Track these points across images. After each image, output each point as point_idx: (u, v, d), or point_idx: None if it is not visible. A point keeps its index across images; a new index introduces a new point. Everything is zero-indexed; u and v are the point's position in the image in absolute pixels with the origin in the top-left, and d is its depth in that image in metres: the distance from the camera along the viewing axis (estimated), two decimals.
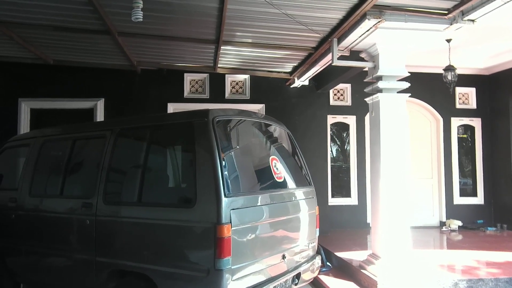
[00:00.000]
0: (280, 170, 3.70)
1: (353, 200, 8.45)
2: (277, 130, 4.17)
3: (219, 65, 7.00)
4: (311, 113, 7.96)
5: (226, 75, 7.71)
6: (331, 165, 8.43)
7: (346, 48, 5.14)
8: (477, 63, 8.68)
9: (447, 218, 8.72)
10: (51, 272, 3.95)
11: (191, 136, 3.20)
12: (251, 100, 7.80)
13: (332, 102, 8.52)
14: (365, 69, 5.44)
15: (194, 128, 3.21)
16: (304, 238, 3.97)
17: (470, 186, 9.12)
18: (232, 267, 2.94)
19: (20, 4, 4.46)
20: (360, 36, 4.70)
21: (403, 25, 4.36)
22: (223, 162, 3.02)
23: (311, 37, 5.27)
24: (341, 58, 5.40)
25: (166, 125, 3.48)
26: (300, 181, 4.16)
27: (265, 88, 7.82)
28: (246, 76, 7.76)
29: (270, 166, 3.58)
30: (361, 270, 5.04)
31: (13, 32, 5.35)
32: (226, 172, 3.03)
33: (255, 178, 3.44)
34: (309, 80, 7.80)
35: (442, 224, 8.73)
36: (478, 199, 8.99)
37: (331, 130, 8.56)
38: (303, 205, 3.99)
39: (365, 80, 5.30)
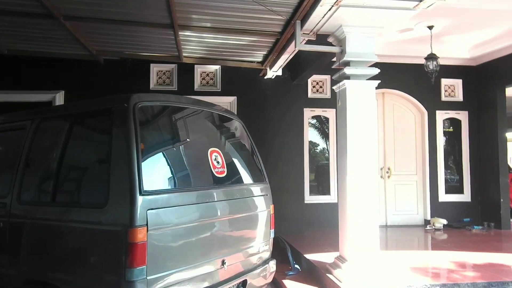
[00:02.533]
0: (222, 164, 3.25)
1: (332, 197, 7.98)
2: (225, 120, 3.74)
3: (184, 54, 6.55)
4: (286, 106, 7.51)
5: (196, 66, 7.26)
6: (309, 161, 7.99)
7: (311, 31, 4.69)
8: (463, 53, 8.25)
9: (432, 216, 8.31)
10: None
11: (109, 125, 2.77)
12: (222, 93, 7.35)
13: (310, 95, 8.07)
14: None
15: (113, 115, 2.77)
16: (253, 241, 3.54)
17: (456, 182, 8.70)
18: (149, 278, 2.51)
19: None
20: (323, 17, 4.26)
21: (368, 2, 3.92)
22: (141, 155, 2.58)
23: (275, 20, 4.83)
24: (309, 43, 4.98)
25: (85, 113, 3.04)
26: (251, 177, 3.73)
27: (238, 79, 7.37)
28: (217, 67, 7.31)
29: (208, 159, 3.14)
30: (327, 274, 4.62)
31: None
32: (144, 166, 2.59)
33: (186, 173, 2.99)
34: (284, 70, 7.35)
35: (427, 222, 8.31)
36: (465, 196, 8.57)
37: (309, 124, 8.12)
38: (252, 203, 3.56)
39: (333, 67, 4.86)
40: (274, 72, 6.90)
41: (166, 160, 2.87)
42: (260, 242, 3.63)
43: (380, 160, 8.48)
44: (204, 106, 3.42)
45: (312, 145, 8.25)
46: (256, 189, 3.66)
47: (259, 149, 7.36)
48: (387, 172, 8.48)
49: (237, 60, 6.80)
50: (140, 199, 2.48)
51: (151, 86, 7.21)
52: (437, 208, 8.40)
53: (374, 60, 4.51)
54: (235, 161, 3.61)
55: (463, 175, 8.60)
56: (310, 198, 7.91)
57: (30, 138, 3.19)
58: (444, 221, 8.02)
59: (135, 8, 4.61)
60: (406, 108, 8.65)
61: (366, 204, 4.38)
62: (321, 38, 4.96)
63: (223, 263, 3.12)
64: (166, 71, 7.29)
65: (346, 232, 4.50)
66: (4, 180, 3.28)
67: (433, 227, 7.98)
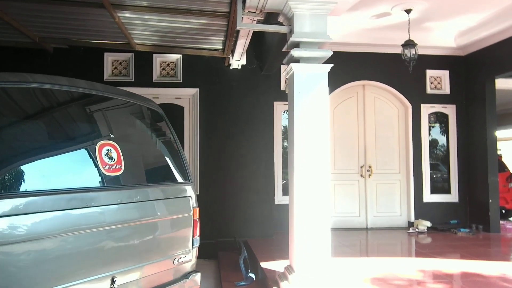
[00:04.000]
0: (117, 161, 2.67)
1: None
2: (133, 107, 3.15)
3: (137, 42, 5.99)
4: (255, 99, 6.91)
5: (155, 55, 6.68)
6: (282, 159, 7.40)
7: (257, 9, 4.10)
8: (449, 42, 7.61)
9: (416, 218, 7.69)
10: None
11: None
12: (183, 84, 6.77)
13: (284, 87, 7.46)
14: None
15: None
16: (163, 252, 2.96)
17: (443, 181, 8.07)
18: None
19: None
20: None
21: None
22: None
23: None
24: (259, 23, 4.40)
25: None
26: (165, 176, 3.14)
27: (201, 70, 6.79)
28: (178, 56, 6.72)
29: (95, 155, 2.55)
30: (273, 287, 4.03)
31: None
32: None
33: (59, 171, 2.39)
34: (252, 60, 6.78)
35: (410, 224, 7.70)
36: (452, 197, 7.94)
37: (283, 119, 7.52)
38: (162, 207, 2.98)
39: (283, 50, 4.26)
40: (237, 61, 6.32)
41: (16, 155, 2.28)
42: (175, 253, 3.05)
43: (361, 158, 7.89)
44: (89, 88, 2.82)
45: (285, 141, 7.65)
46: (170, 190, 3.08)
47: (224, 146, 6.89)
48: (368, 171, 7.88)
49: (195, 48, 6.22)
50: None
51: (105, 77, 6.64)
52: (422, 209, 7.79)
53: (327, 41, 3.91)
54: (143, 157, 3.04)
55: (450, 173, 7.98)
56: (283, 199, 7.31)
57: None
58: (428, 223, 7.40)
59: None
60: (388, 101, 8.03)
61: (315, 206, 3.79)
62: (273, 18, 4.38)
63: (113, 281, 2.54)
64: (123, 60, 6.72)
65: (293, 238, 3.92)
66: None
67: (416, 230, 7.37)
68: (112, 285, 2.54)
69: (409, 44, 6.22)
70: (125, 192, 2.69)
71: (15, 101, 2.40)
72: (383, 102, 8.01)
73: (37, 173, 2.29)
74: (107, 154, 2.62)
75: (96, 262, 2.46)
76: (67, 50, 6.49)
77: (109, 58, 6.67)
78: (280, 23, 4.25)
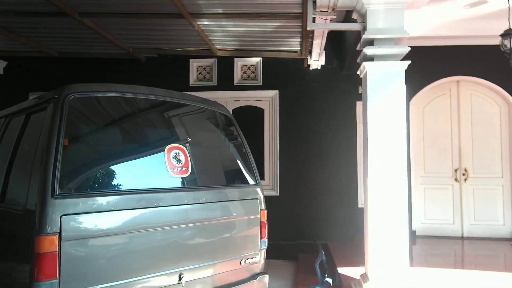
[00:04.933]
0: (185, 163, 2.81)
1: None
2: (203, 112, 3.28)
3: (217, 47, 6.25)
4: (335, 99, 6.75)
5: (236, 59, 6.89)
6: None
7: (328, 7, 3.98)
8: None
9: None
10: None
11: (42, 117, 2.52)
12: (263, 86, 6.87)
13: None
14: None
15: (47, 109, 2.51)
16: (230, 252, 3.03)
17: None
18: None
19: None
20: None
21: None
22: (62, 152, 2.27)
23: None
24: (333, 22, 4.29)
25: (36, 105, 2.81)
26: (233, 178, 3.22)
27: (280, 72, 6.83)
28: (258, 60, 6.84)
29: (164, 158, 2.72)
30: None
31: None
32: (65, 165, 2.27)
33: (124, 173, 2.58)
34: (333, 60, 6.64)
35: None
36: None
37: None
38: (228, 208, 3.05)
39: (357, 48, 4.09)
40: (316, 61, 6.23)
41: (96, 158, 2.53)
42: (242, 253, 3.11)
43: (455, 160, 7.21)
44: (167, 96, 3.00)
45: None
46: (237, 192, 3.14)
47: (304, 147, 6.83)
48: (463, 174, 7.17)
49: (273, 51, 6.28)
50: (52, 202, 2.17)
51: (191, 82, 7.03)
52: None
53: (404, 36, 3.66)
54: (212, 159, 3.14)
55: None
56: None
57: None
58: None
59: None
60: (488, 98, 7.22)
61: (391, 211, 3.58)
62: (348, 16, 4.24)
63: (180, 277, 2.68)
64: (206, 66, 7.05)
65: (368, 244, 3.74)
66: None
67: None
68: (180, 282, 2.68)
69: (509, 33, 5.51)
70: (192, 193, 2.81)
71: (104, 109, 2.67)
72: (481, 99, 7.22)
73: (114, 175, 2.52)
74: (175, 157, 2.77)
75: (164, 259, 2.62)
76: (157, 59, 7.01)
77: (194, 64, 7.04)
78: (355, 21, 4.09)
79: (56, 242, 2.15)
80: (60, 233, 2.17)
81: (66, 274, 2.19)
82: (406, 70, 3.76)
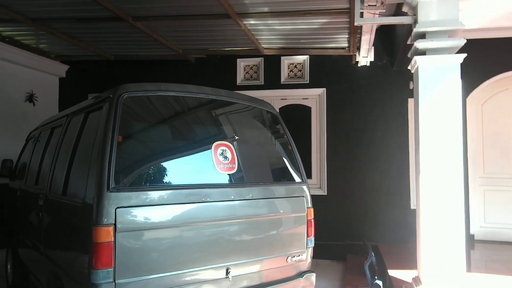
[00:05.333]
0: (231, 160, 2.86)
1: None
2: (249, 110, 3.31)
3: (264, 46, 6.28)
4: (385, 96, 6.55)
5: (282, 58, 6.89)
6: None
7: (377, 1, 3.87)
8: None
9: None
10: None
11: (98, 116, 2.67)
12: (310, 84, 6.80)
13: None
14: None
15: (103, 108, 2.66)
16: (276, 249, 3.04)
17: None
18: (118, 281, 2.31)
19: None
20: None
21: None
22: (116, 148, 2.40)
23: None
24: (382, 16, 4.17)
25: (94, 104, 2.98)
26: (280, 175, 3.22)
27: (328, 69, 6.74)
28: (305, 57, 6.80)
29: (211, 154, 2.78)
30: None
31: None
32: (120, 160, 2.40)
33: (173, 169, 2.67)
34: (382, 55, 6.45)
35: None
36: None
37: None
38: (278, 205, 3.06)
39: (407, 43, 3.95)
40: (364, 57, 6.08)
41: (148, 154, 2.64)
42: (288, 251, 3.11)
43: None
44: (215, 94, 3.06)
45: None
46: (283, 189, 3.14)
47: (352, 145, 6.67)
48: None
49: (320, 48, 6.21)
50: (108, 196, 2.30)
51: (238, 81, 7.12)
52: None
53: (459, 28, 3.48)
54: (258, 157, 3.17)
55: None
56: None
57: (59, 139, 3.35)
58: None
59: (186, 1, 4.53)
60: None
61: (445, 213, 3.42)
62: (398, 9, 4.10)
63: (227, 272, 2.73)
64: (253, 65, 7.11)
65: (420, 246, 3.60)
66: None
67: None
68: (227, 276, 2.73)
69: None
70: (238, 189, 2.85)
71: (154, 107, 2.79)
72: None
73: (164, 170, 2.63)
74: (222, 153, 2.83)
75: (211, 253, 2.68)
76: (205, 59, 7.18)
77: (241, 64, 7.13)
78: (406, 14, 3.95)
79: (112, 233, 2.28)
80: (115, 224, 2.29)
81: (120, 264, 2.31)
82: (462, 65, 3.58)
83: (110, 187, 2.31)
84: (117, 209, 2.31)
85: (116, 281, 2.29)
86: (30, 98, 7.09)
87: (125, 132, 2.52)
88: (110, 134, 2.42)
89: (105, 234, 2.26)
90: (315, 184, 6.68)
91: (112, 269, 2.28)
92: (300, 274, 3.21)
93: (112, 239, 2.28)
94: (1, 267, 5.32)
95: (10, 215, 4.85)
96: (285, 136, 3.38)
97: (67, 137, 3.23)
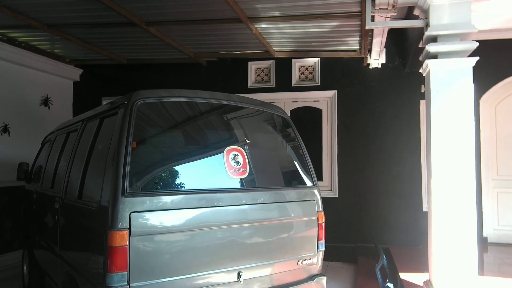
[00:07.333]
0: (243, 164, 2.90)
1: None
2: (260, 115, 3.34)
3: (275, 49, 6.31)
4: (396, 98, 6.51)
5: (293, 60, 6.91)
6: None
7: (388, 5, 3.88)
8: None
9: None
10: None
11: (113, 122, 2.73)
12: (321, 87, 6.81)
13: None
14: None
15: (117, 113, 2.73)
16: (287, 252, 3.07)
17: None
18: (132, 285, 2.36)
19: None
20: None
21: None
22: (131, 153, 2.45)
23: None
24: (394, 19, 4.17)
25: (109, 110, 3.05)
26: (291, 179, 3.25)
27: (339, 72, 6.73)
28: (316, 60, 6.80)
29: (223, 159, 2.82)
30: None
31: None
32: (134, 166, 2.45)
33: (186, 174, 2.71)
34: (394, 57, 6.42)
35: None
36: None
37: None
38: (289, 209, 3.09)
39: (419, 46, 3.94)
40: (376, 59, 6.07)
41: (161, 160, 2.69)
42: (299, 254, 3.14)
43: None
44: (227, 99, 3.10)
45: None
46: (294, 193, 3.16)
47: (363, 148, 6.65)
48: None
49: (331, 50, 6.21)
50: (122, 200, 2.35)
51: (249, 84, 7.16)
52: None
53: (471, 31, 3.46)
54: (270, 161, 3.20)
55: None
56: None
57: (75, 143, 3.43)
58: None
59: (198, 6, 4.58)
60: None
61: (457, 215, 3.41)
62: (409, 12, 4.10)
63: (239, 275, 2.77)
64: (264, 68, 7.14)
65: (432, 249, 3.59)
66: None
67: None
68: (238, 279, 2.76)
69: None
70: (250, 194, 2.89)
71: (168, 113, 2.84)
72: None
73: (177, 175, 2.67)
74: (233, 158, 2.87)
75: (223, 256, 2.72)
76: (217, 62, 7.23)
77: (252, 67, 7.17)
78: (417, 17, 3.94)
79: (126, 237, 2.33)
80: (129, 228, 2.35)
81: (134, 267, 2.36)
82: (475, 66, 3.55)
83: (125, 192, 2.37)
84: (132, 214, 2.36)
85: (130, 284, 2.34)
86: (46, 102, 7.24)
87: (139, 137, 2.58)
88: (124, 140, 2.48)
89: (120, 238, 2.31)
90: (326, 186, 6.69)
91: (126, 272, 2.33)
92: (311, 278, 3.23)
93: (127, 243, 2.33)
94: (17, 268, 5.45)
95: (26, 217, 4.96)
96: (296, 140, 3.41)
97: (83, 142, 3.30)
